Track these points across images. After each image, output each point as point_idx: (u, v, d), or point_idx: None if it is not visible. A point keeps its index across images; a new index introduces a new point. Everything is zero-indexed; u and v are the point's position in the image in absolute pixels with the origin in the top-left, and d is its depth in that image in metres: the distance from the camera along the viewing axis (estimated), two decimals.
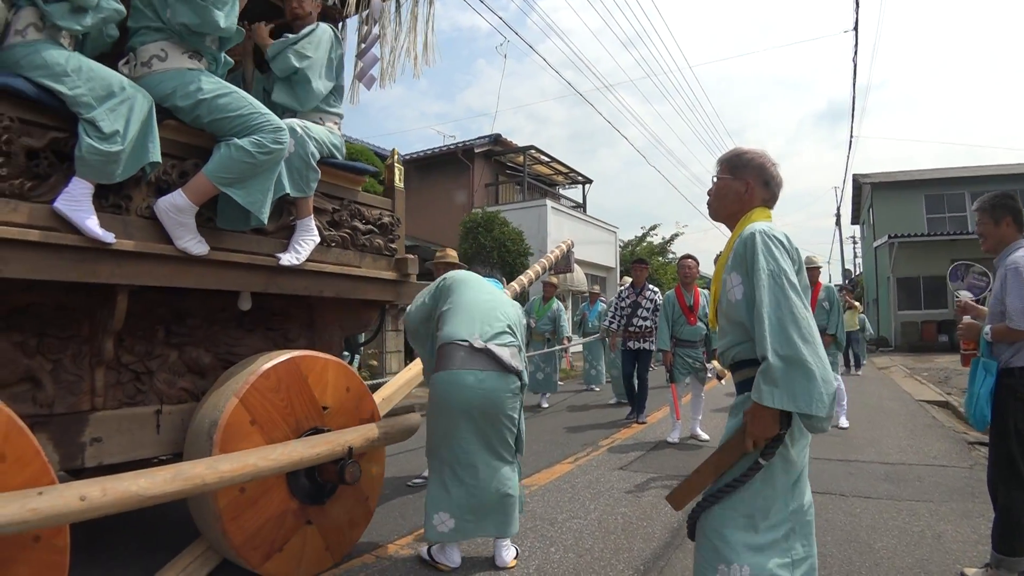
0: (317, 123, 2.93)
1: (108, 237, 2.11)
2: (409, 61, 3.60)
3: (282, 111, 2.88)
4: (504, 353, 2.77)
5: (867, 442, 5.54)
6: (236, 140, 2.34)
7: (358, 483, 2.87)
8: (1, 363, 2.18)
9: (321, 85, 2.91)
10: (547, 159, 18.05)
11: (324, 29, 2.97)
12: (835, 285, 8.16)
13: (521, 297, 8.00)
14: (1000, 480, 2.58)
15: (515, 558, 2.84)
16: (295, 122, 2.68)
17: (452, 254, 5.05)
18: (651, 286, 7.12)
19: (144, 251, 2.26)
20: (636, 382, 6.99)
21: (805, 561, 1.75)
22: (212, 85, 2.35)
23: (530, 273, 4.97)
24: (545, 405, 8.38)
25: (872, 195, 21.62)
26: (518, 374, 2.81)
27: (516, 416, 2.82)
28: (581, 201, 20.14)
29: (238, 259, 2.55)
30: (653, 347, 6.70)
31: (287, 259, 2.67)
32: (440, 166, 17.10)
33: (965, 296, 3.06)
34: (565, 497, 3.90)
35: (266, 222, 2.52)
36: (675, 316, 5.99)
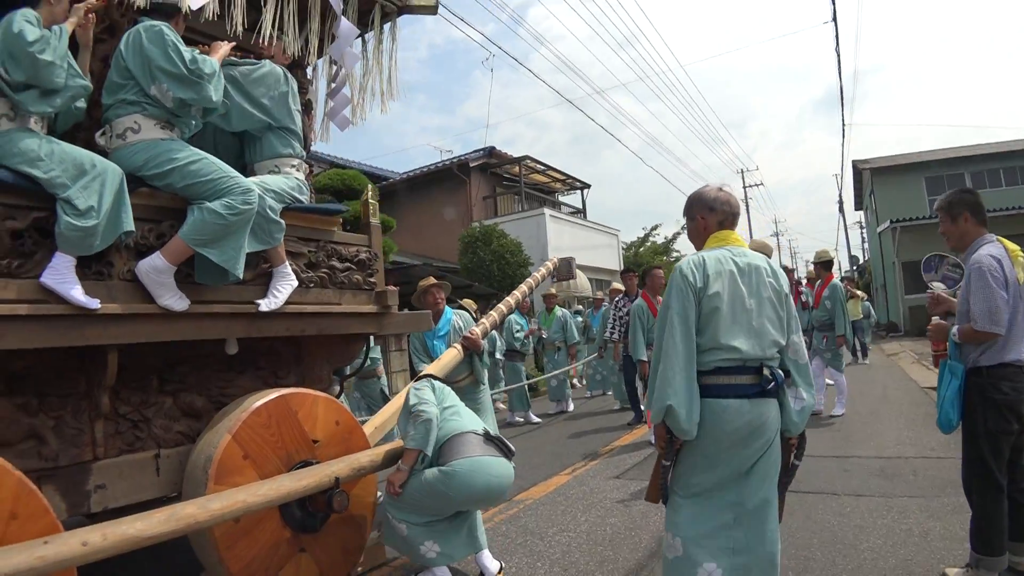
0: (273, 171, 3.08)
1: (93, 303, 2.29)
2: (376, 97, 3.74)
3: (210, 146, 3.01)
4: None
5: (866, 436, 5.61)
6: (208, 203, 2.51)
7: (351, 511, 3.04)
8: (6, 424, 2.36)
9: (244, 113, 3.00)
10: (543, 167, 18.22)
11: (273, 67, 3.10)
12: (843, 274, 8.30)
13: (506, 322, 8.18)
14: (973, 481, 2.60)
15: (500, 571, 2.99)
16: (252, 181, 2.80)
17: (431, 281, 5.20)
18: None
19: (128, 312, 2.44)
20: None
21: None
22: (183, 153, 2.53)
23: (510, 300, 5.09)
24: (571, 408, 8.88)
25: (872, 180, 21.55)
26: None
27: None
28: (581, 207, 20.28)
29: (218, 309, 2.73)
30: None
31: (266, 304, 2.83)
32: (437, 182, 17.31)
33: (939, 288, 3.01)
34: (558, 510, 4.03)
35: (241, 276, 2.68)
36: (648, 324, 6.11)
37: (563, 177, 19.30)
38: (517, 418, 8.31)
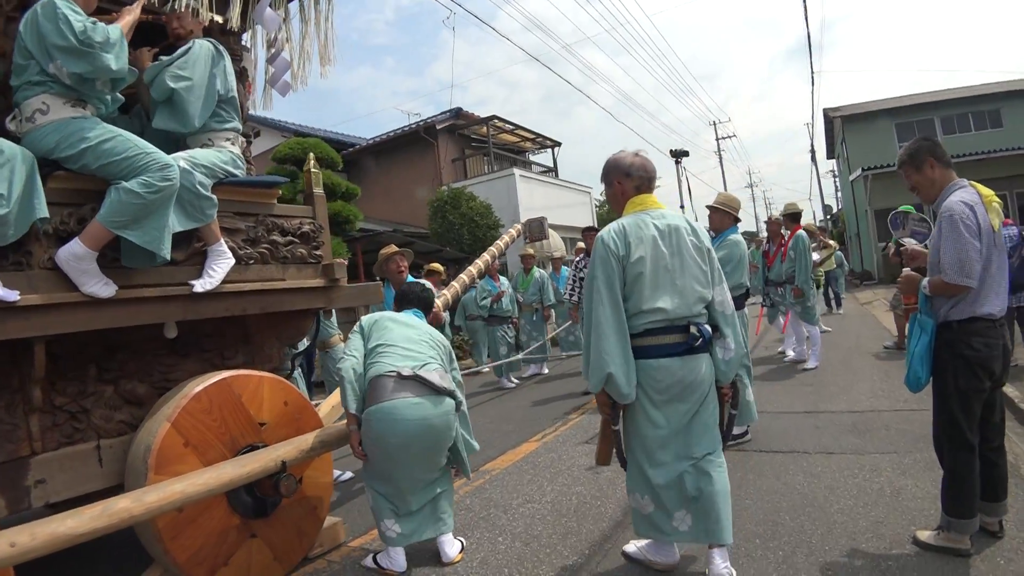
0: (206, 144, 2.94)
1: (10, 296, 2.18)
2: (314, 62, 3.56)
3: (166, 136, 2.87)
4: (433, 376, 2.78)
5: (839, 390, 5.64)
6: (124, 183, 2.38)
7: (305, 493, 2.99)
8: None
9: (201, 104, 2.86)
10: (511, 127, 17.90)
11: (201, 45, 2.92)
12: (816, 224, 8.26)
13: (488, 278, 8.07)
14: (945, 441, 2.50)
15: (461, 552, 2.94)
16: (179, 155, 2.68)
17: (392, 249, 5.07)
18: None
19: (51, 302, 2.32)
20: None
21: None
22: (96, 132, 2.39)
23: (472, 270, 4.98)
24: (546, 371, 8.97)
25: (843, 128, 21.57)
26: (451, 394, 2.85)
27: (453, 439, 2.90)
28: (552, 165, 20.02)
29: (150, 293, 2.61)
30: None
31: (200, 285, 2.71)
32: (404, 147, 16.92)
33: (910, 243, 2.89)
34: (524, 479, 4.02)
35: (168, 257, 2.56)
36: None
37: (532, 136, 19.00)
38: (506, 383, 8.13)
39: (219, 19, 3.15)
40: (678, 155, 19.48)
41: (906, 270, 2.73)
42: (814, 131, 34.36)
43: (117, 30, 2.39)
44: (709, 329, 2.35)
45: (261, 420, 2.87)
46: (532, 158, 20.74)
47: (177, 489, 2.35)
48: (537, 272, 8.98)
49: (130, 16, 2.57)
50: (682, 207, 19.87)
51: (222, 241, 2.83)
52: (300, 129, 16.80)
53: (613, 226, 2.37)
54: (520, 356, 8.28)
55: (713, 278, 2.39)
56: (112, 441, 2.73)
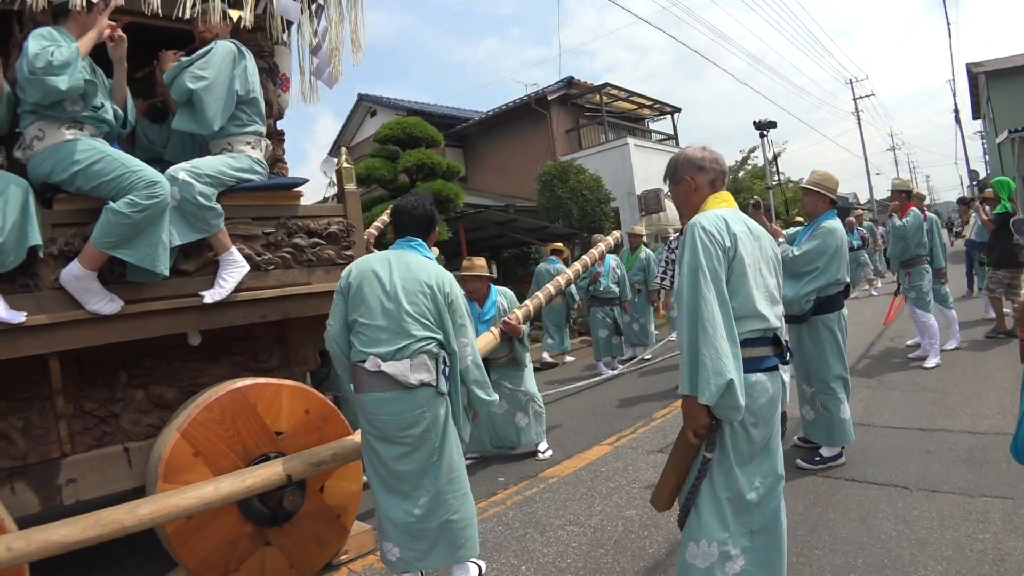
0: (226, 149, 2.91)
1: (16, 317, 2.28)
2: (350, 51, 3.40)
3: (192, 140, 2.84)
4: (400, 369, 2.45)
5: (963, 400, 4.70)
6: (112, 204, 2.39)
7: (327, 502, 2.92)
8: None
9: (221, 106, 2.82)
10: (626, 94, 17.02)
11: (222, 46, 2.88)
12: (961, 199, 7.06)
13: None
14: None
15: None
16: (180, 167, 2.65)
17: (480, 264, 4.78)
18: None
19: (57, 320, 2.41)
20: None
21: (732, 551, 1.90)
22: (85, 154, 2.41)
23: (559, 280, 4.65)
24: (648, 356, 8.38)
25: (988, 85, 18.46)
26: (430, 384, 2.50)
27: (436, 435, 2.52)
28: (672, 133, 18.88)
29: (158, 307, 2.64)
30: None
31: (210, 296, 2.70)
32: (517, 120, 16.69)
33: None
34: (578, 493, 3.72)
35: (166, 273, 2.56)
36: None
37: (649, 103, 17.97)
38: (605, 369, 7.80)
39: (243, 16, 3.06)
40: (763, 127, 16.48)
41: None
42: (956, 88, 29.70)
43: (65, 51, 2.33)
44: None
45: (278, 429, 2.82)
46: (652, 125, 19.72)
47: (172, 503, 2.36)
48: (644, 252, 8.48)
49: (93, 31, 2.52)
50: (769, 188, 17.42)
51: (232, 250, 2.79)
52: (414, 107, 17.11)
53: (710, 214, 2.02)
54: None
55: (779, 292, 2.15)
56: (141, 443, 2.82)
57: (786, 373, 2.14)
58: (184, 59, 2.82)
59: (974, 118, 26.03)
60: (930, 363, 5.82)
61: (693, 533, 1.92)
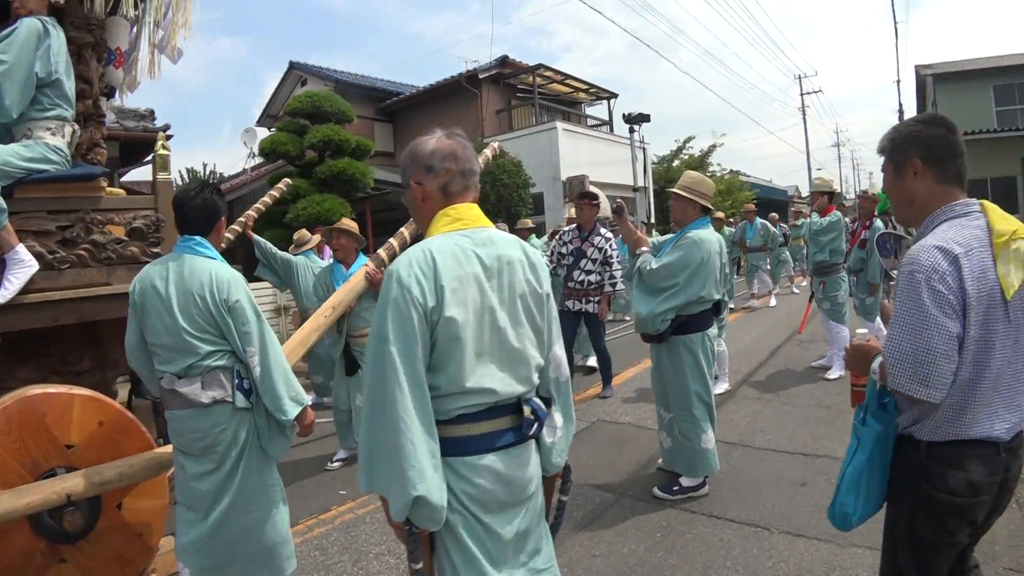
0: (27, 135, 2.68)
1: None
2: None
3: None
4: (190, 388, 2.36)
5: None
6: None
7: (127, 519, 2.78)
8: None
9: (19, 91, 2.58)
10: (561, 76, 16.93)
11: (27, 25, 2.62)
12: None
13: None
14: None
15: None
16: None
17: (347, 221, 4.70)
18: (604, 230, 5.73)
19: None
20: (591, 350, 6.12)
21: None
22: None
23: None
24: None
25: (935, 88, 19.25)
26: (225, 401, 2.40)
27: (236, 453, 2.45)
28: (608, 119, 18.94)
29: None
30: (597, 309, 5.66)
31: None
32: (446, 97, 16.40)
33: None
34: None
35: None
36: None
37: (586, 87, 17.97)
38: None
39: None
40: (633, 120, 14.35)
41: (861, 331, 1.86)
42: (900, 89, 31.00)
43: None
44: (543, 406, 1.64)
45: (69, 442, 2.64)
46: (588, 111, 19.72)
47: None
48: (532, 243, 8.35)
49: None
50: (635, 190, 15.31)
51: (18, 248, 2.56)
52: (345, 78, 16.56)
53: (416, 256, 1.50)
54: None
55: (551, 335, 1.69)
56: None
57: (554, 431, 1.71)
58: None
59: None
60: (833, 374, 5.68)
61: None
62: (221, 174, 22.60)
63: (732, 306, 5.72)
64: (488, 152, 4.86)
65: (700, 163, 21.80)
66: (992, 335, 1.47)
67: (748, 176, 29.10)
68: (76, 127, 2.88)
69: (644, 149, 18.69)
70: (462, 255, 1.51)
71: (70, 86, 2.83)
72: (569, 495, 1.84)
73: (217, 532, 2.42)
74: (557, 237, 6.08)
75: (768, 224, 11.39)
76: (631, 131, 14.27)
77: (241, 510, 2.44)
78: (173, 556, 3.01)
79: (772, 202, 25.16)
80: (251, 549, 2.48)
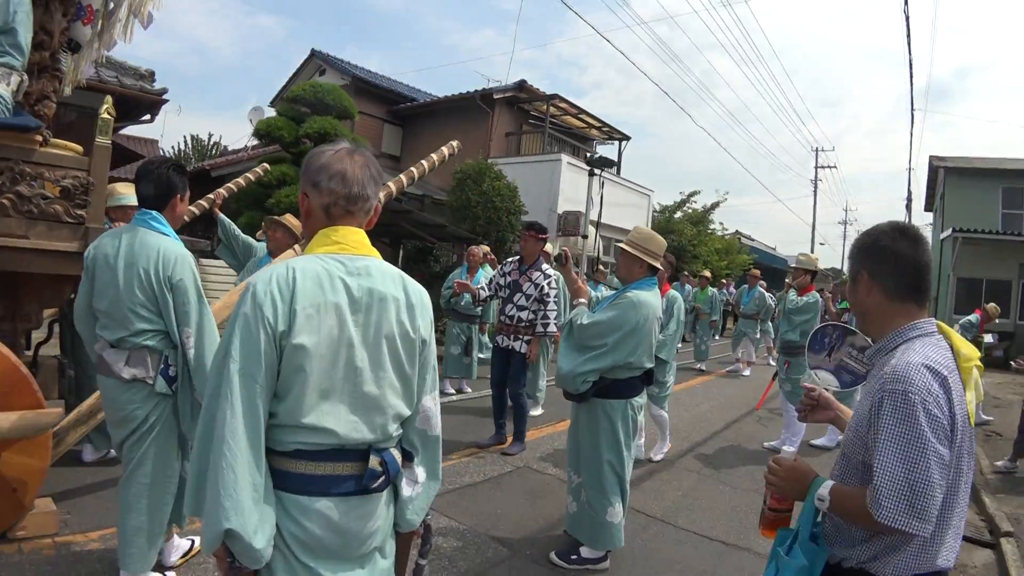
0: None
1: None
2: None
3: None
4: (114, 359, 2.43)
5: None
6: None
7: (2, 473, 2.71)
8: None
9: None
10: (575, 110, 17.06)
11: None
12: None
13: None
14: None
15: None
16: None
17: (289, 217, 4.67)
18: (546, 267, 5.29)
19: None
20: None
21: None
22: None
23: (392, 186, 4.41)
24: (468, 390, 7.50)
25: (945, 181, 19.42)
26: (145, 381, 2.44)
27: (146, 438, 2.49)
28: (617, 160, 19.03)
29: None
30: (526, 349, 5.21)
31: None
32: (460, 111, 16.45)
33: (824, 382, 2.01)
34: None
35: None
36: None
37: (599, 124, 18.07)
38: (449, 388, 7.30)
39: None
40: (595, 164, 13.44)
41: (787, 448, 1.75)
42: (911, 177, 31.39)
43: None
44: (398, 460, 1.52)
45: None
46: (599, 148, 19.83)
47: None
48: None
49: None
50: (584, 236, 13.85)
51: None
52: (363, 75, 16.67)
53: (279, 272, 1.39)
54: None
55: (423, 384, 1.57)
56: None
57: (414, 486, 1.58)
58: None
59: (926, 210, 26.67)
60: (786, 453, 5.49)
61: None
62: (226, 147, 22.66)
63: (673, 371, 5.45)
64: (445, 150, 4.77)
65: (702, 219, 21.91)
66: (961, 461, 1.42)
67: (751, 240, 29.26)
68: (24, 77, 2.86)
69: (648, 196, 18.82)
70: (327, 281, 1.41)
71: (26, 36, 2.81)
72: (428, 559, 1.74)
73: (122, 485, 2.54)
74: (499, 267, 5.68)
75: (766, 295, 11.29)
76: (591, 174, 13.40)
77: (135, 498, 2.48)
78: (49, 518, 2.97)
79: (771, 269, 25.23)
80: (126, 536, 2.51)
